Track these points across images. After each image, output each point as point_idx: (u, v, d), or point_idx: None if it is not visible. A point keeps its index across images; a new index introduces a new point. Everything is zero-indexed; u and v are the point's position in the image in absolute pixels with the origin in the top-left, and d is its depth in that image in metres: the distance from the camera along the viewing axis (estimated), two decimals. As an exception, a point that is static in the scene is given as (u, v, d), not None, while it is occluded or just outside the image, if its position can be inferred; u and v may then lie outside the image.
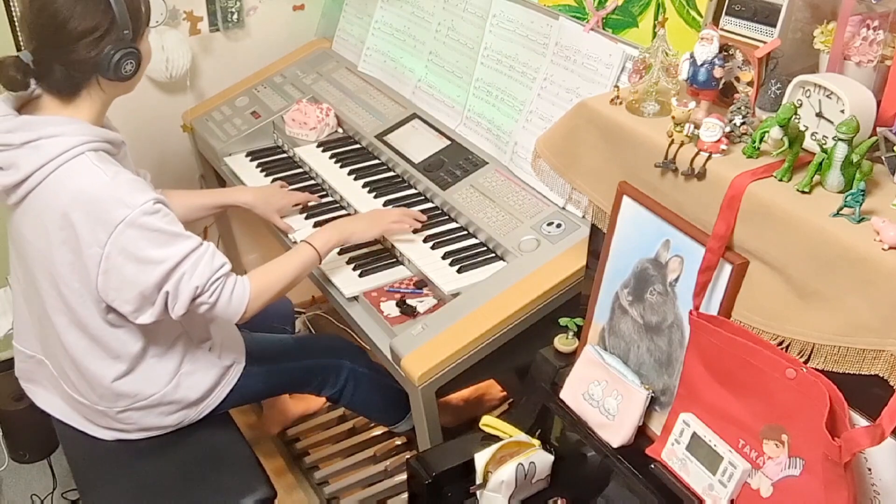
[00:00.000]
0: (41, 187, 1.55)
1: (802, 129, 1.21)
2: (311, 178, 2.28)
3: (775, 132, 1.19)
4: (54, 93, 1.59)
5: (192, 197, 2.06)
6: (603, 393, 1.42)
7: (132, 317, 1.60)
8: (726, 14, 1.39)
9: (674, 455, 1.33)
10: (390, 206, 2.05)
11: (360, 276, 1.90)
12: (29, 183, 1.55)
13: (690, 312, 1.29)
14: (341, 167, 2.24)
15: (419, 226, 1.95)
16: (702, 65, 1.32)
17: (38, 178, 1.54)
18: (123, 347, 1.69)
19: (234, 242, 2.90)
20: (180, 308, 1.58)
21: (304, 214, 2.12)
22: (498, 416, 1.53)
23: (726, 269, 1.26)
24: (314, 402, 2.51)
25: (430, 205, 2.07)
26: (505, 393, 2.42)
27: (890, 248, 1.05)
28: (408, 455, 2.21)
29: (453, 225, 2.00)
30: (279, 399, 2.41)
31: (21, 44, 1.75)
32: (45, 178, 1.54)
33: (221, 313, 1.64)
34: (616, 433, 1.39)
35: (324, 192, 2.22)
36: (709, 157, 1.27)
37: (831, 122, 1.18)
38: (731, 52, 1.37)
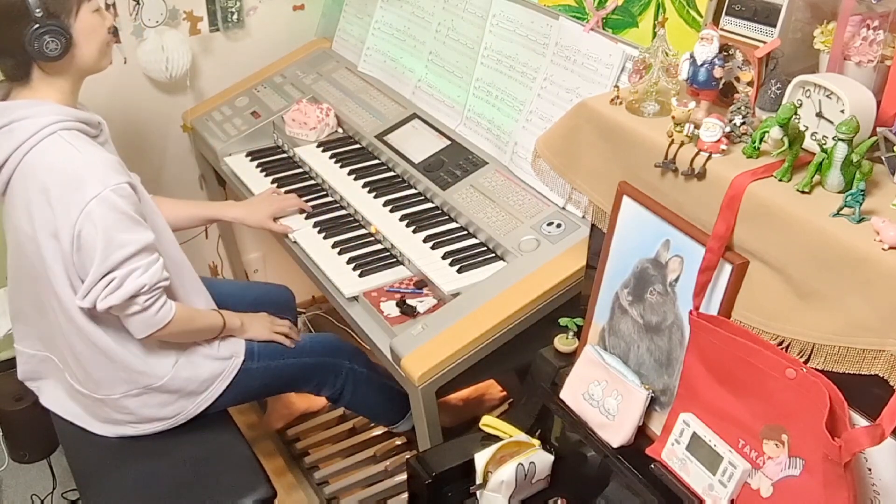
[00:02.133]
0: (19, 170, 1.58)
1: (802, 129, 1.21)
2: (311, 178, 2.28)
3: (775, 132, 1.19)
4: (13, 80, 1.64)
5: (183, 207, 2.08)
6: (603, 393, 1.42)
7: (78, 297, 1.60)
8: (726, 14, 1.39)
9: (674, 455, 1.33)
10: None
11: (360, 276, 1.90)
12: (7, 167, 1.58)
13: (690, 312, 1.29)
14: (341, 167, 2.24)
15: (297, 340, 2.00)
16: (702, 65, 1.32)
17: (15, 161, 1.57)
18: (113, 333, 1.70)
19: (234, 241, 2.90)
20: (115, 299, 1.58)
21: (304, 215, 2.12)
22: (498, 416, 1.53)
23: (726, 269, 1.26)
24: (317, 399, 2.52)
25: (430, 205, 2.07)
26: (505, 393, 2.42)
27: (890, 248, 1.05)
28: (408, 455, 2.21)
29: (453, 225, 2.00)
30: (284, 394, 2.41)
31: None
32: (21, 161, 1.57)
33: (140, 322, 1.64)
34: (616, 433, 1.39)
35: (324, 192, 2.22)
36: (709, 157, 1.27)
37: (831, 122, 1.18)
38: (731, 52, 1.37)
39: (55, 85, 1.63)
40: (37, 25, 1.54)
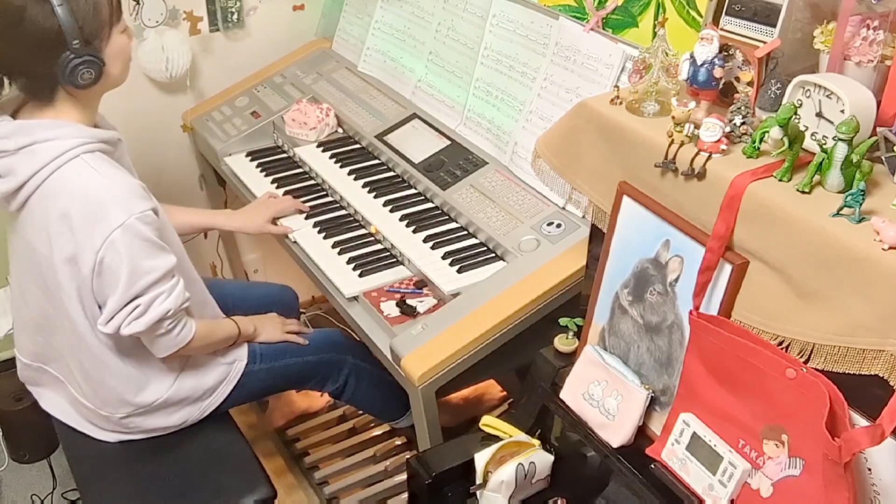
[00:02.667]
0: (39, 192, 1.55)
1: (802, 129, 1.21)
2: (311, 178, 2.28)
3: (775, 132, 1.19)
4: (31, 98, 1.59)
5: (183, 214, 2.07)
6: (603, 393, 1.42)
7: (101, 322, 1.59)
8: (726, 14, 1.39)
9: (674, 455, 1.33)
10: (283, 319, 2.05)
11: (360, 276, 1.90)
12: (27, 188, 1.55)
13: (690, 312, 1.29)
14: (341, 167, 2.24)
15: (306, 342, 2.00)
16: (702, 65, 1.32)
17: (36, 183, 1.54)
18: (120, 354, 1.69)
19: (233, 242, 2.90)
20: (140, 325, 1.57)
21: (304, 215, 2.12)
22: (498, 416, 1.53)
23: (726, 269, 1.26)
24: (319, 399, 2.52)
25: (430, 205, 2.07)
26: (505, 393, 2.42)
27: (890, 248, 1.05)
28: (408, 455, 2.21)
29: (453, 225, 2.00)
30: (286, 392, 2.40)
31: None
32: (42, 183, 1.54)
33: (163, 344, 1.65)
34: (616, 433, 1.39)
35: (324, 192, 2.22)
36: (709, 157, 1.27)
37: (831, 122, 1.18)
38: (731, 52, 1.37)
39: (78, 106, 1.60)
40: (73, 56, 1.49)
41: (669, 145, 1.32)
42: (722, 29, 1.38)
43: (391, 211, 2.06)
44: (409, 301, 1.79)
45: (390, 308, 1.78)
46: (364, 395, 2.13)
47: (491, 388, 2.43)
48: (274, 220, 2.10)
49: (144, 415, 1.76)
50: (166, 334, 1.63)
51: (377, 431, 2.47)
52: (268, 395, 2.19)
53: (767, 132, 1.20)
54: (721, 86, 1.36)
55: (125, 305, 1.56)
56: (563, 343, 1.59)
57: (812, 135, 1.22)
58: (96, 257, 1.52)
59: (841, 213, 1.12)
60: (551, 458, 1.44)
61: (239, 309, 1.97)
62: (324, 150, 2.32)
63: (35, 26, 1.47)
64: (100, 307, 1.60)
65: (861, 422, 1.12)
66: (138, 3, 2.43)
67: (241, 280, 2.92)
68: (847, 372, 1.10)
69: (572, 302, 1.70)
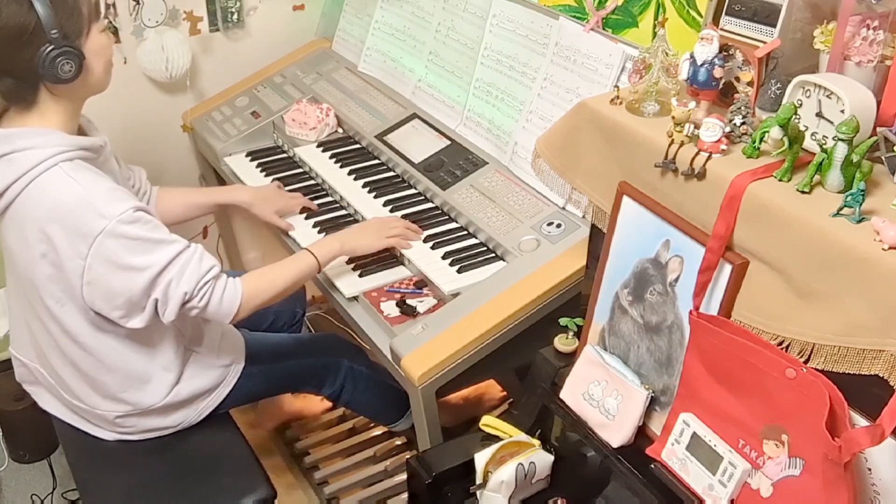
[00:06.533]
0: (19, 200, 1.54)
1: (802, 129, 1.21)
2: (311, 179, 2.28)
3: (775, 132, 1.19)
4: (13, 102, 1.57)
5: (189, 195, 2.06)
6: (603, 393, 1.42)
7: (122, 322, 1.59)
8: (726, 14, 1.39)
9: (674, 455, 1.33)
10: (392, 215, 2.00)
11: (360, 276, 1.90)
12: (6, 196, 1.54)
13: (690, 312, 1.29)
14: (341, 167, 2.24)
15: (419, 240, 1.93)
16: (702, 65, 1.33)
17: (15, 192, 1.53)
18: (115, 354, 1.68)
19: (234, 241, 2.90)
20: (170, 314, 1.57)
21: (304, 215, 2.12)
22: (498, 416, 1.53)
23: (726, 269, 1.26)
24: (313, 404, 2.50)
25: (430, 205, 2.07)
26: (505, 393, 2.42)
27: (890, 248, 1.05)
28: (408, 455, 2.21)
29: (453, 225, 2.00)
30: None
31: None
32: (21, 192, 1.52)
33: (212, 315, 1.63)
34: (616, 433, 1.39)
35: (324, 192, 2.22)
36: (709, 157, 1.27)
37: (831, 122, 1.19)
38: (731, 52, 1.37)
39: (61, 107, 1.58)
40: (52, 47, 1.48)
41: (669, 145, 1.32)
42: (722, 29, 1.39)
43: (391, 211, 2.05)
44: (409, 301, 1.79)
45: (390, 308, 1.78)
46: (361, 399, 2.13)
47: (491, 388, 2.43)
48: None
49: (140, 416, 1.76)
50: (206, 307, 1.60)
51: (377, 431, 2.46)
52: (266, 396, 2.19)
53: (767, 132, 1.20)
54: (721, 86, 1.36)
55: (144, 304, 1.56)
56: (563, 343, 1.59)
57: (812, 135, 1.22)
58: (84, 264, 1.51)
59: (841, 213, 1.12)
60: (551, 458, 1.44)
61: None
62: (324, 150, 2.32)
63: (13, 20, 1.46)
64: (96, 313, 1.59)
65: (861, 422, 1.12)
66: (138, 3, 2.43)
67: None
68: (847, 372, 1.10)
69: (572, 302, 1.70)
